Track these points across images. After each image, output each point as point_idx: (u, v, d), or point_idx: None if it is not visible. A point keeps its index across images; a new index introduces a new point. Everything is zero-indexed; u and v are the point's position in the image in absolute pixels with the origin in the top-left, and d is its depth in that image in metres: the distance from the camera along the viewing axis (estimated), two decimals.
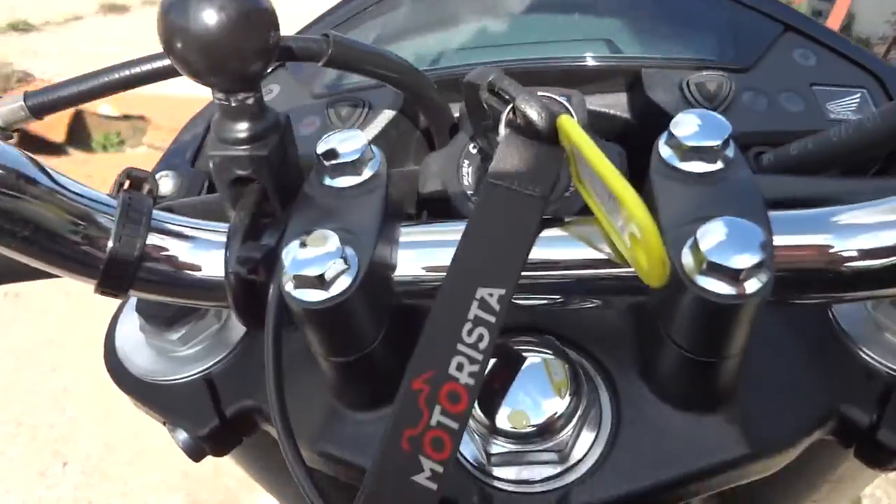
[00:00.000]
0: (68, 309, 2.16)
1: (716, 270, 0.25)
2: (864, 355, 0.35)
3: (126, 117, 2.87)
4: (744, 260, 0.25)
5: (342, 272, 0.28)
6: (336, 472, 0.35)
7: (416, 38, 0.51)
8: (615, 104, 0.48)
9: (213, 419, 0.39)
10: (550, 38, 0.49)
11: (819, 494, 0.48)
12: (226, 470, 1.74)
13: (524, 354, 0.33)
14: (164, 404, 0.40)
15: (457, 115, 0.47)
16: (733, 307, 0.25)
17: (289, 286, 0.28)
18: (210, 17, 0.26)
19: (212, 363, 0.40)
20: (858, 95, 0.45)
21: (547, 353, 0.33)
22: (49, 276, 0.33)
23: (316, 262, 0.27)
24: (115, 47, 3.44)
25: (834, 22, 2.39)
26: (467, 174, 0.41)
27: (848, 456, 0.43)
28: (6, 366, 2.00)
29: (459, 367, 0.28)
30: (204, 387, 0.40)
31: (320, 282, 0.27)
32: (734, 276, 0.25)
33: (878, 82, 0.46)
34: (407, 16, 0.52)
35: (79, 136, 2.79)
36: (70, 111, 2.78)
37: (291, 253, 0.28)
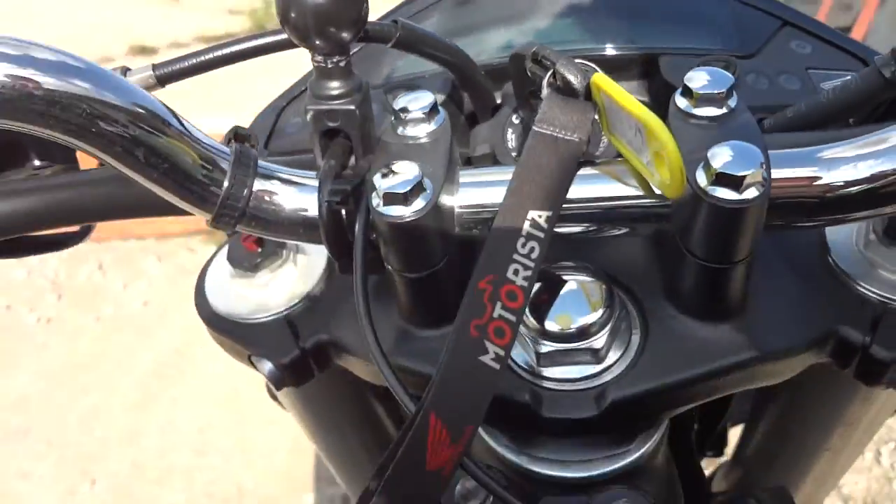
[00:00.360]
0: (98, 334, 2.23)
1: (723, 181, 0.32)
2: (858, 287, 0.41)
3: None
4: (745, 171, 0.31)
5: (421, 194, 0.34)
6: (405, 381, 0.41)
7: (459, 40, 0.58)
8: (635, 90, 0.55)
9: (293, 350, 0.45)
10: (576, 36, 0.56)
11: (831, 441, 0.53)
12: (249, 490, 1.78)
13: (565, 278, 0.39)
14: (249, 339, 0.46)
15: (498, 101, 0.54)
16: (738, 210, 0.32)
17: (377, 205, 0.34)
18: None
19: (291, 305, 0.46)
20: (849, 77, 0.52)
21: (584, 277, 0.39)
22: (169, 213, 0.40)
23: (400, 185, 0.34)
24: None
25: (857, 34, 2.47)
26: (511, 139, 0.48)
27: (855, 394, 0.48)
28: (38, 387, 2.06)
29: (516, 272, 0.34)
30: (284, 324, 0.46)
31: (403, 199, 0.34)
32: (738, 183, 0.31)
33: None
34: (448, 21, 0.60)
35: None
36: None
37: (379, 179, 0.35)
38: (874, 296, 0.41)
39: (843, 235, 0.43)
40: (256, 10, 4.07)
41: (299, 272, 0.47)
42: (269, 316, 0.46)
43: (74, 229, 0.44)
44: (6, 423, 1.96)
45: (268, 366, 0.44)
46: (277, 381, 0.45)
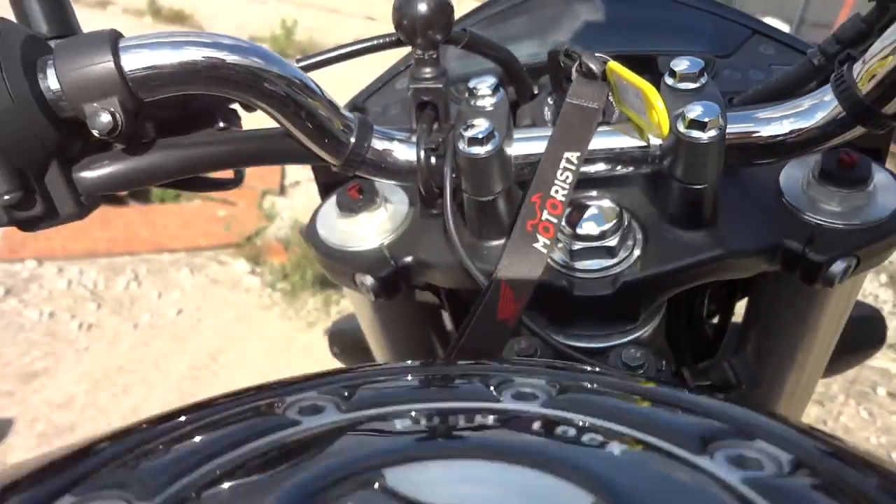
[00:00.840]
0: (136, 339, 2.38)
1: (694, 126, 0.48)
2: (802, 216, 0.57)
3: None
4: (708, 118, 0.48)
5: (491, 140, 0.51)
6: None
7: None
8: None
9: (389, 267, 0.60)
10: (592, 42, 0.73)
11: (800, 345, 0.68)
12: None
13: (589, 204, 0.56)
14: (353, 262, 0.62)
15: (535, 91, 0.71)
16: (705, 145, 0.48)
17: (462, 147, 0.51)
18: (423, 7, 0.50)
19: (384, 237, 0.62)
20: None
21: (603, 202, 0.56)
22: (303, 161, 0.56)
23: (479, 132, 0.50)
24: None
25: None
26: (547, 113, 0.65)
27: (811, 300, 0.63)
28: (83, 388, 2.20)
29: (556, 191, 0.50)
30: (381, 249, 0.62)
31: (481, 142, 0.50)
32: (703, 126, 0.48)
33: None
34: (492, 34, 0.78)
35: (139, 192, 3.07)
36: None
37: (463, 130, 0.51)
38: (812, 220, 0.56)
39: (792, 181, 0.59)
40: (278, 38, 4.28)
41: (389, 215, 0.64)
42: (369, 245, 0.62)
43: (231, 175, 0.60)
44: (54, 421, 2.11)
45: (369, 279, 0.60)
46: (376, 293, 0.61)
